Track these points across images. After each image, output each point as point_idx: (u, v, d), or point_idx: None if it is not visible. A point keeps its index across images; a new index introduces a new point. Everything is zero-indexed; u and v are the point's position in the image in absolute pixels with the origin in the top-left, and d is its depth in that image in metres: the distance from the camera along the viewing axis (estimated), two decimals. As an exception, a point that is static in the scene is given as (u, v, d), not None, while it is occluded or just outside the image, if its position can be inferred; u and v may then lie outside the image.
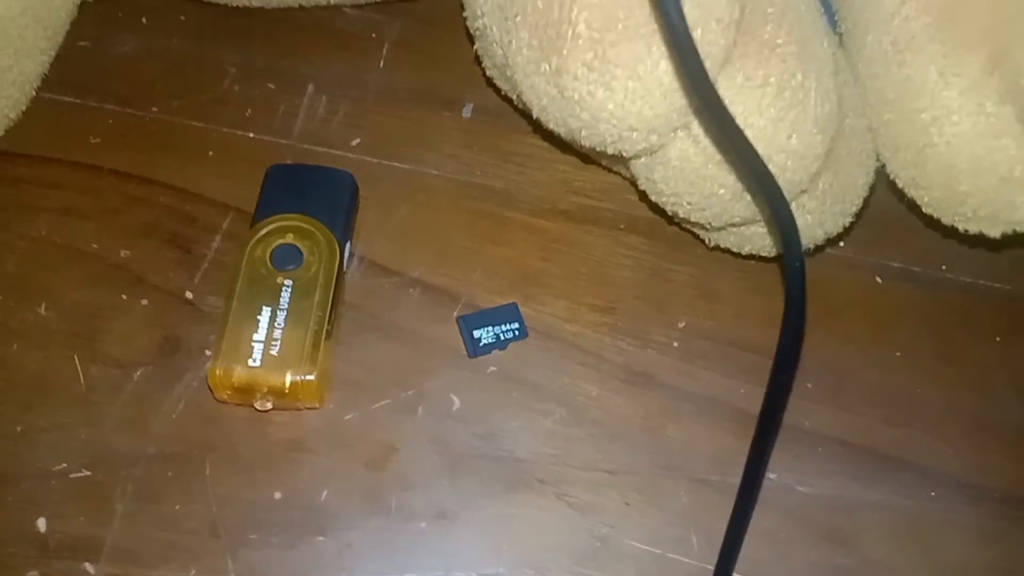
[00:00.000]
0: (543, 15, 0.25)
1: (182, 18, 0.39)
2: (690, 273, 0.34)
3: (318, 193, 0.32)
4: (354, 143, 0.36)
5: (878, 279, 0.35)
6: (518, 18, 0.26)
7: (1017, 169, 0.25)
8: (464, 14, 0.31)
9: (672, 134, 0.26)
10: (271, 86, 0.38)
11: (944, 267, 0.36)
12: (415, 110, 0.37)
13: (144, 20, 0.39)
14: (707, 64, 0.24)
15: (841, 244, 0.35)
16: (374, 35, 0.39)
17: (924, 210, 0.29)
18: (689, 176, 0.27)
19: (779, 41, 0.24)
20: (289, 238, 0.31)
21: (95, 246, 0.33)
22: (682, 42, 0.20)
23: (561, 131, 0.27)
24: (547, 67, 0.25)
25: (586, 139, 0.26)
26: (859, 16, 0.28)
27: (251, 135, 0.36)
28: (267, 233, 0.31)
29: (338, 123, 0.37)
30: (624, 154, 0.26)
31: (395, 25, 0.39)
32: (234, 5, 0.38)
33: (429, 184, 0.36)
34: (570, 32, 0.24)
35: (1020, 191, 0.26)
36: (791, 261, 0.23)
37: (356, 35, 0.39)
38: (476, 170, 0.36)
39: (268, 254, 0.30)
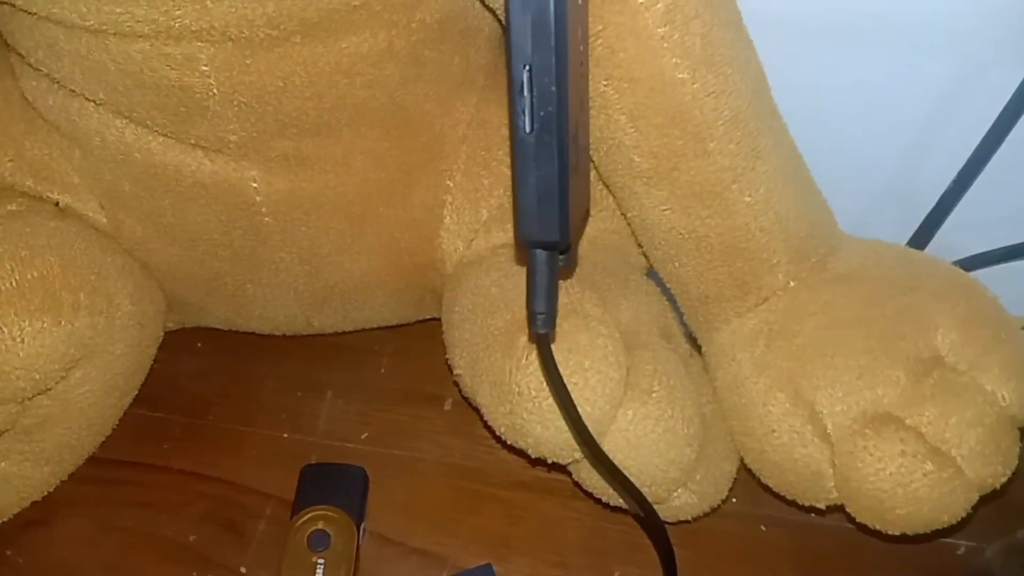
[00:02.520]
0: (498, 377, 0.37)
1: (228, 342, 0.52)
2: (622, 531, 0.45)
3: (340, 486, 0.44)
4: (363, 437, 0.48)
5: (762, 527, 0.46)
6: (482, 376, 0.38)
7: (822, 466, 0.37)
8: (446, 355, 0.44)
9: (589, 452, 0.38)
10: (299, 394, 0.50)
11: (812, 515, 0.47)
12: (408, 407, 0.50)
13: (199, 344, 0.52)
14: (607, 407, 0.37)
15: (734, 500, 0.47)
16: (376, 348, 0.52)
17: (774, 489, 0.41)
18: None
19: (655, 388, 0.37)
20: (320, 525, 0.42)
21: (169, 533, 0.44)
22: (574, 424, 0.32)
23: (515, 446, 0.39)
24: (503, 409, 0.37)
25: (532, 453, 0.38)
26: (712, 356, 0.41)
27: (285, 435, 0.48)
28: (303, 522, 0.42)
29: (350, 421, 0.49)
30: (559, 462, 0.38)
31: (391, 340, 0.52)
32: (267, 333, 0.51)
33: (421, 467, 0.47)
34: (516, 390, 0.37)
35: (827, 479, 0.38)
36: (662, 548, 0.35)
37: (362, 349, 0.52)
38: (456, 453, 0.48)
39: (306, 539, 0.41)
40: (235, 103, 0.37)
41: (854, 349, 0.37)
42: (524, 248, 0.29)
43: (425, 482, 0.47)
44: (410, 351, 0.52)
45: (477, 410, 0.44)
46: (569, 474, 0.42)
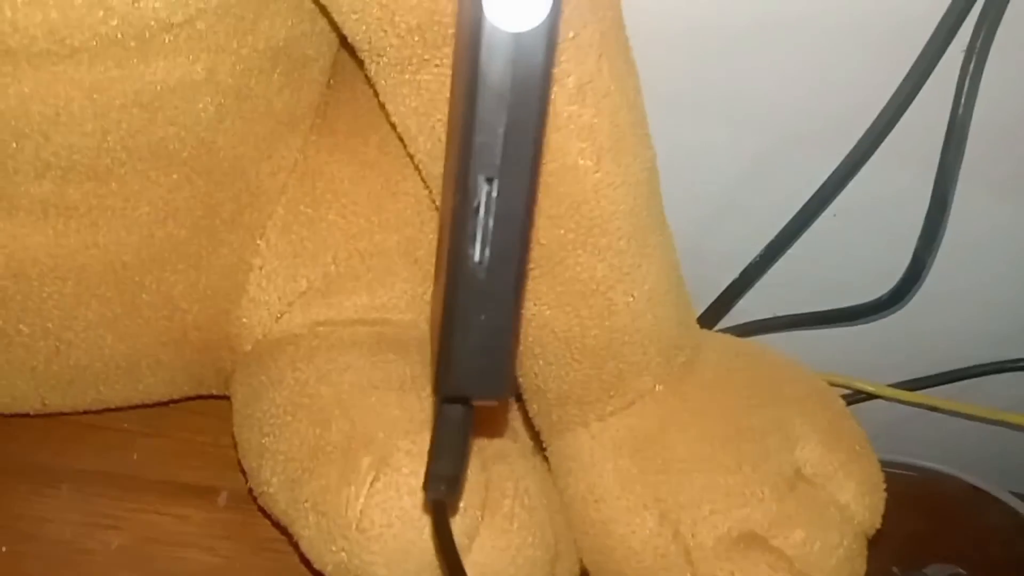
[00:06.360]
0: (331, 507, 0.30)
1: (-85, 416, 0.38)
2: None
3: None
4: (114, 546, 0.38)
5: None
6: (306, 503, 0.31)
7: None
8: (230, 434, 0.35)
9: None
10: (22, 488, 0.38)
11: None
12: (172, 504, 0.40)
13: None
14: (464, 540, 0.31)
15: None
16: (126, 426, 0.41)
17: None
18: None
19: (516, 511, 0.32)
20: None
21: None
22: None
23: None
24: (334, 547, 0.30)
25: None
26: (565, 460, 0.37)
27: (3, 549, 0.36)
28: None
29: (95, 525, 0.38)
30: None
31: (147, 416, 0.42)
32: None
33: (194, 586, 0.38)
34: (356, 525, 0.30)
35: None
36: None
37: (108, 427, 0.41)
38: (236, 563, 0.39)
39: None
40: (-24, 132, 0.26)
41: (724, 466, 0.34)
42: (439, 398, 0.22)
43: (198, 604, 0.38)
44: (172, 430, 0.42)
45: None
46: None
